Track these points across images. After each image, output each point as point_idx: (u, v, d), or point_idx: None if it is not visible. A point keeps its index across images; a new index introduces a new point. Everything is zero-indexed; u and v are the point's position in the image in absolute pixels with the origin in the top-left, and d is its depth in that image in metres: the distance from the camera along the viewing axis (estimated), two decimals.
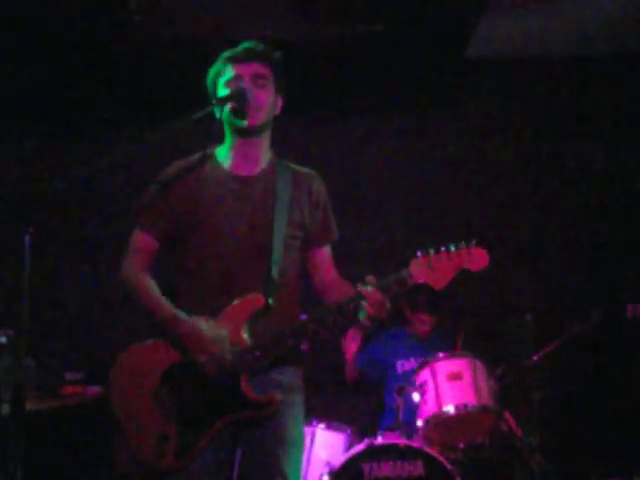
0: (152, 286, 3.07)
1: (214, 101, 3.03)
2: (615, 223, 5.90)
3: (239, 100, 3.00)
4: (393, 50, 5.50)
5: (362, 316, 2.91)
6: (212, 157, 3.16)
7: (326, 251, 3.26)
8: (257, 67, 3.07)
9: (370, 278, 2.92)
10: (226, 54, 3.13)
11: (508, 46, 5.77)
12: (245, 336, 2.94)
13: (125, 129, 5.42)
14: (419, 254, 2.97)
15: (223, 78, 3.09)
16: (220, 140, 3.18)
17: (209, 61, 3.17)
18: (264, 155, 3.17)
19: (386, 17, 5.15)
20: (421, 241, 3.09)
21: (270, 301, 2.97)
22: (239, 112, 3.02)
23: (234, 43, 3.16)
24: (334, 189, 3.30)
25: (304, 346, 3.06)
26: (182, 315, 2.96)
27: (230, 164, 3.13)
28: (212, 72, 3.15)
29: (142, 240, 3.11)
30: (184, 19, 5.19)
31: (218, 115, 3.05)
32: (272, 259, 3.01)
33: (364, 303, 2.89)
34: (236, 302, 2.97)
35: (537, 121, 6.09)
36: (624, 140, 5.96)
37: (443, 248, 2.97)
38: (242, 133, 3.09)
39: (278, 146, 3.25)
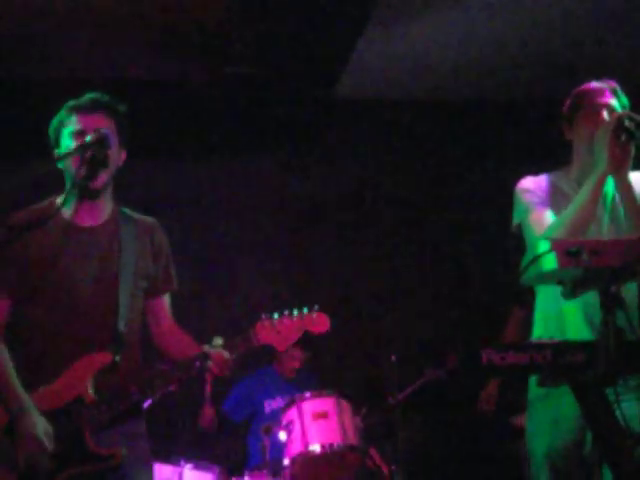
0: (6, 364, 2.87)
1: (77, 149, 2.89)
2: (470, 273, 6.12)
3: (101, 147, 2.89)
4: (261, 91, 5.56)
5: (207, 373, 3.01)
6: (54, 206, 3.05)
7: (165, 300, 3.24)
8: (102, 119, 3.00)
9: (217, 340, 3.02)
10: (71, 103, 3.04)
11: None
12: (91, 391, 2.91)
13: None
14: (264, 317, 3.12)
15: (67, 129, 2.99)
16: (61, 188, 3.06)
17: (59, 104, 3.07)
18: (107, 205, 3.10)
19: (257, 59, 5.19)
20: (269, 301, 3.18)
21: (117, 358, 2.95)
22: (98, 161, 2.90)
23: (97, 82, 3.10)
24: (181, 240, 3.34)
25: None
26: (27, 406, 2.81)
27: (72, 214, 3.04)
28: (55, 121, 3.05)
29: None
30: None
31: (62, 166, 2.98)
32: (119, 313, 2.98)
33: (210, 363, 2.98)
34: (83, 358, 2.92)
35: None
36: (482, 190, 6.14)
37: (286, 312, 3.15)
38: (87, 194, 3.00)
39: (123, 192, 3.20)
